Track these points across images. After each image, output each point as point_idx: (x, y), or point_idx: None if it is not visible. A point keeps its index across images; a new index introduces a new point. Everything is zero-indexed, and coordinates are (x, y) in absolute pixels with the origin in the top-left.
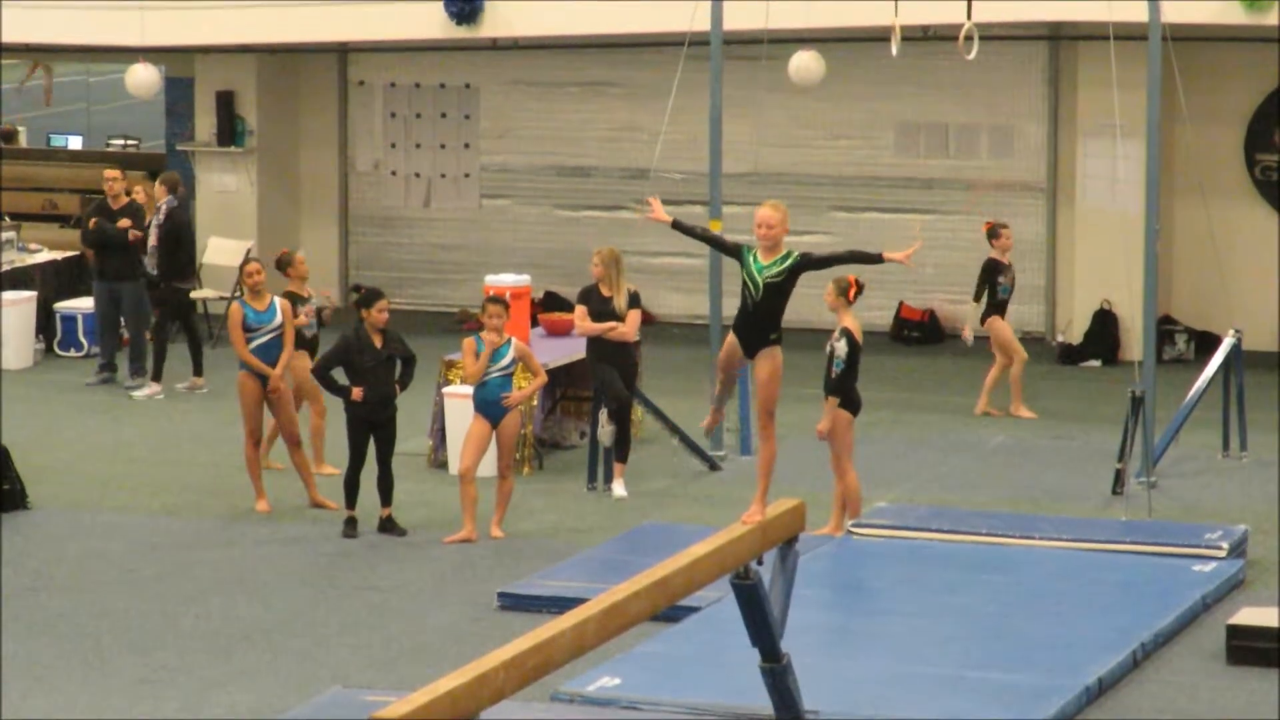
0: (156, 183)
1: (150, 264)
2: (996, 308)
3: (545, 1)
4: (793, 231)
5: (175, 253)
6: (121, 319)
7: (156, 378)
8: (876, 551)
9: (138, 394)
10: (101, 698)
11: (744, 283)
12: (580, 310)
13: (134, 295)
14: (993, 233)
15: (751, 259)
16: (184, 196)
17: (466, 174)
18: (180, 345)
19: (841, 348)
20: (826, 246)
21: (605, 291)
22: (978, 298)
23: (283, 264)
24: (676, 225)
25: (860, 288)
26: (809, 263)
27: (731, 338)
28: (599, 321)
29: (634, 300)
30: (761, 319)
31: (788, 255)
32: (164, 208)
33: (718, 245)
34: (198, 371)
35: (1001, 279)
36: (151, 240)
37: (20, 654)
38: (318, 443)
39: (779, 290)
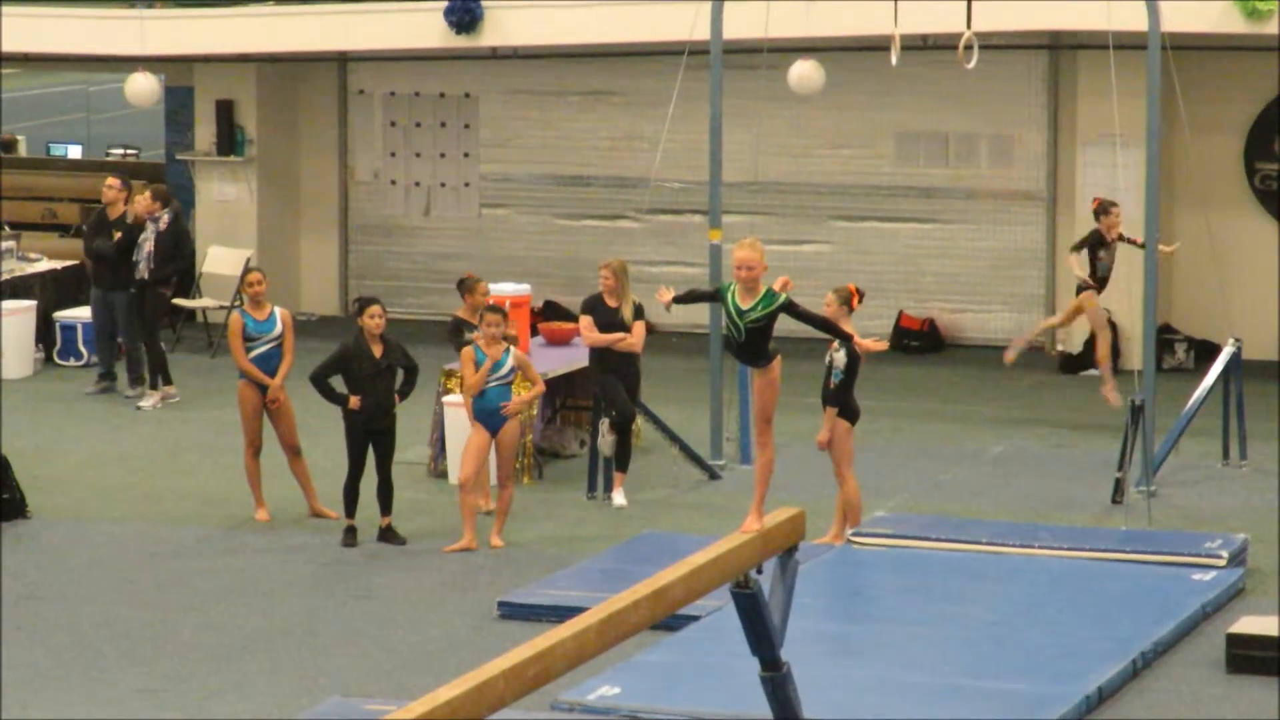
0: (147, 194)
1: (144, 268)
2: (1097, 282)
3: (545, 10)
4: (791, 240)
5: (171, 261)
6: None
7: (154, 385)
8: (877, 560)
9: (144, 404)
10: (101, 707)
11: (726, 322)
12: (586, 321)
13: (128, 304)
14: (1102, 209)
15: (731, 300)
16: (177, 208)
17: (466, 183)
18: (177, 353)
19: (841, 358)
20: (825, 257)
21: (611, 302)
22: (1078, 249)
23: (464, 288)
24: (679, 299)
25: (861, 297)
26: (792, 311)
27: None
28: (605, 332)
29: (639, 312)
30: (750, 353)
31: (769, 299)
32: (164, 218)
33: (705, 299)
34: (157, 384)
35: (1103, 254)
36: (148, 247)
37: (20, 663)
38: (486, 481)
39: (762, 331)
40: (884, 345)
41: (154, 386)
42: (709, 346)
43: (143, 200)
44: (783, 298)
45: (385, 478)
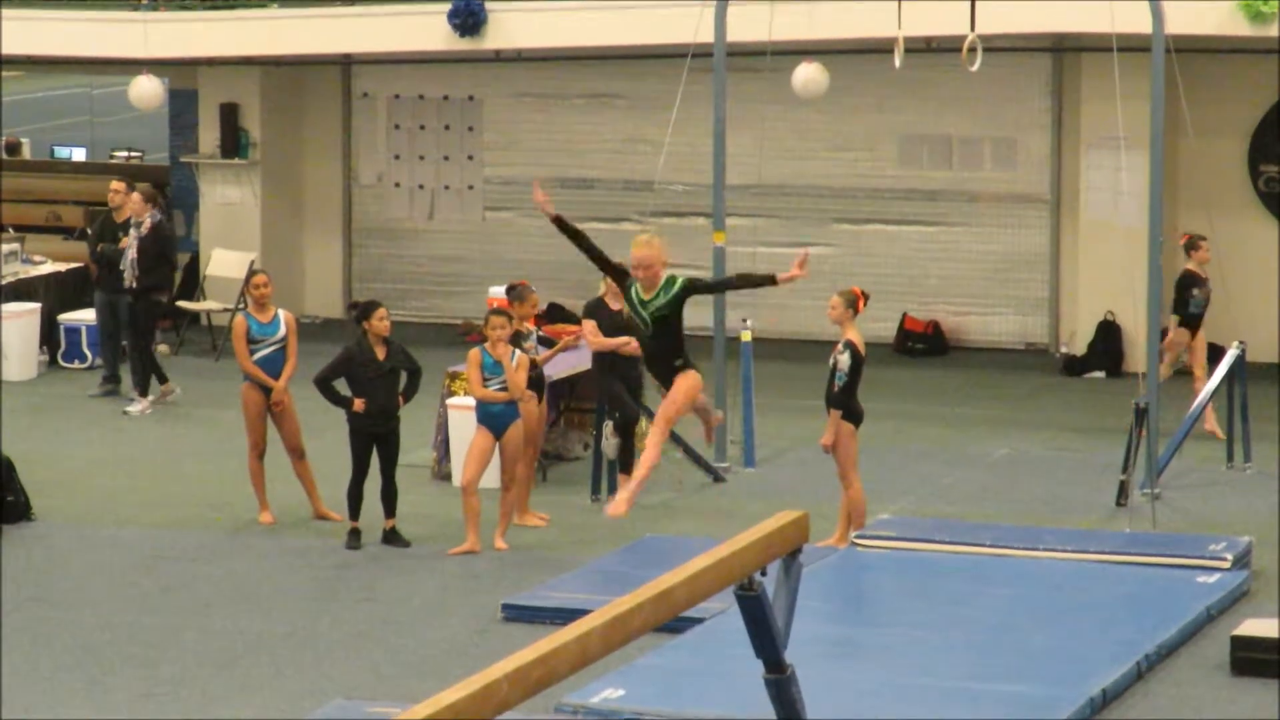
0: (135, 195)
1: (129, 276)
2: (1186, 321)
3: (548, 13)
4: (795, 243)
5: (156, 266)
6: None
7: (144, 392)
8: (881, 563)
9: (131, 409)
10: (104, 711)
11: (633, 318)
12: (590, 325)
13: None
14: (1191, 244)
15: (634, 295)
16: (163, 209)
17: (470, 186)
18: (181, 356)
19: (844, 360)
20: (829, 260)
21: (615, 305)
22: (1176, 310)
23: (513, 297)
24: (558, 222)
25: (866, 299)
26: (696, 288)
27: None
28: (609, 335)
29: None
30: (661, 351)
31: (670, 283)
32: (147, 220)
33: (600, 261)
34: (144, 392)
35: (1196, 292)
36: (131, 253)
37: (23, 667)
38: (522, 494)
39: (668, 321)
40: (804, 253)
41: (144, 393)
42: (712, 349)
43: (132, 202)
44: (682, 280)
45: (389, 480)
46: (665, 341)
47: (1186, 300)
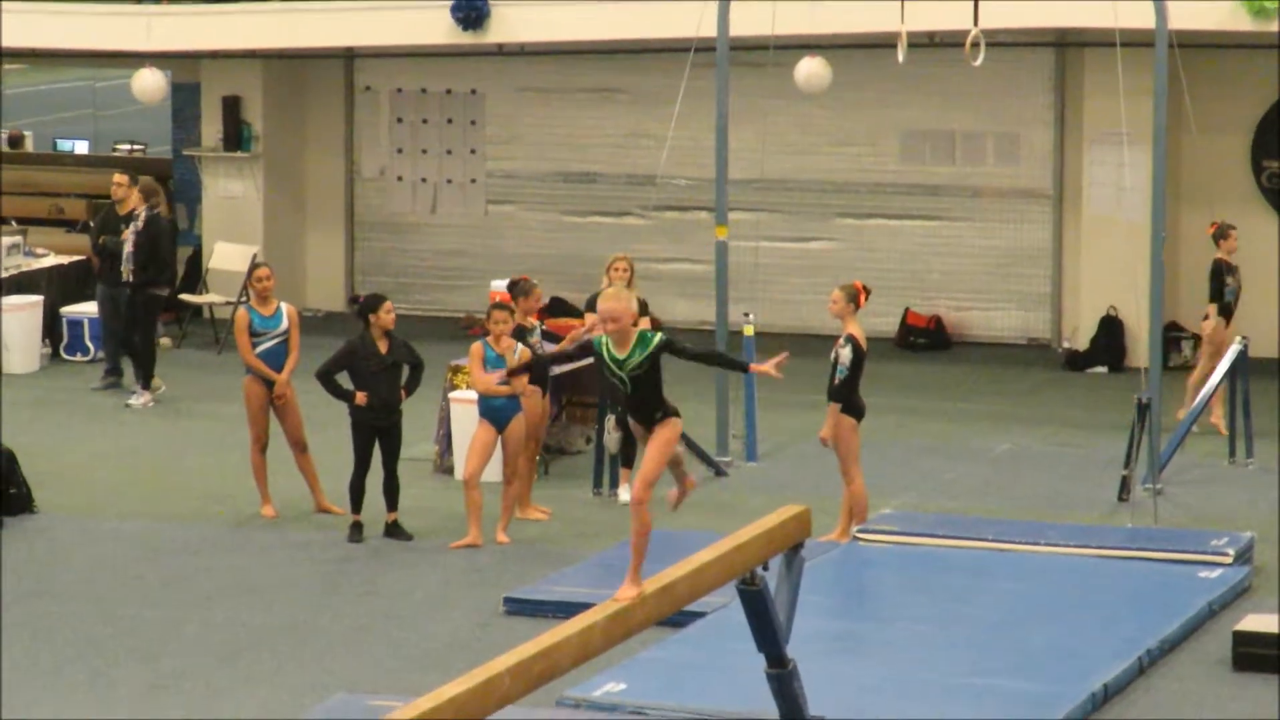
0: (135, 189)
1: (126, 270)
2: (1222, 310)
3: (551, 7)
4: (798, 238)
5: (150, 263)
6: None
7: (146, 385)
8: (882, 558)
9: (133, 401)
10: (107, 704)
11: (609, 377)
12: (593, 318)
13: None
14: (1220, 233)
15: (606, 354)
16: (157, 204)
17: (473, 180)
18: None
19: (846, 354)
20: (831, 255)
21: None
22: (1213, 299)
23: (517, 292)
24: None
25: (868, 294)
26: (672, 349)
27: (639, 435)
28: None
29: (643, 308)
30: (643, 405)
31: (646, 341)
32: (141, 216)
33: (571, 359)
34: (145, 384)
35: (1230, 280)
36: (128, 247)
37: (26, 660)
38: (524, 488)
39: (648, 379)
40: (783, 356)
41: (146, 386)
42: (714, 343)
43: (131, 196)
44: (659, 337)
45: (391, 474)
46: (646, 396)
47: (1221, 288)
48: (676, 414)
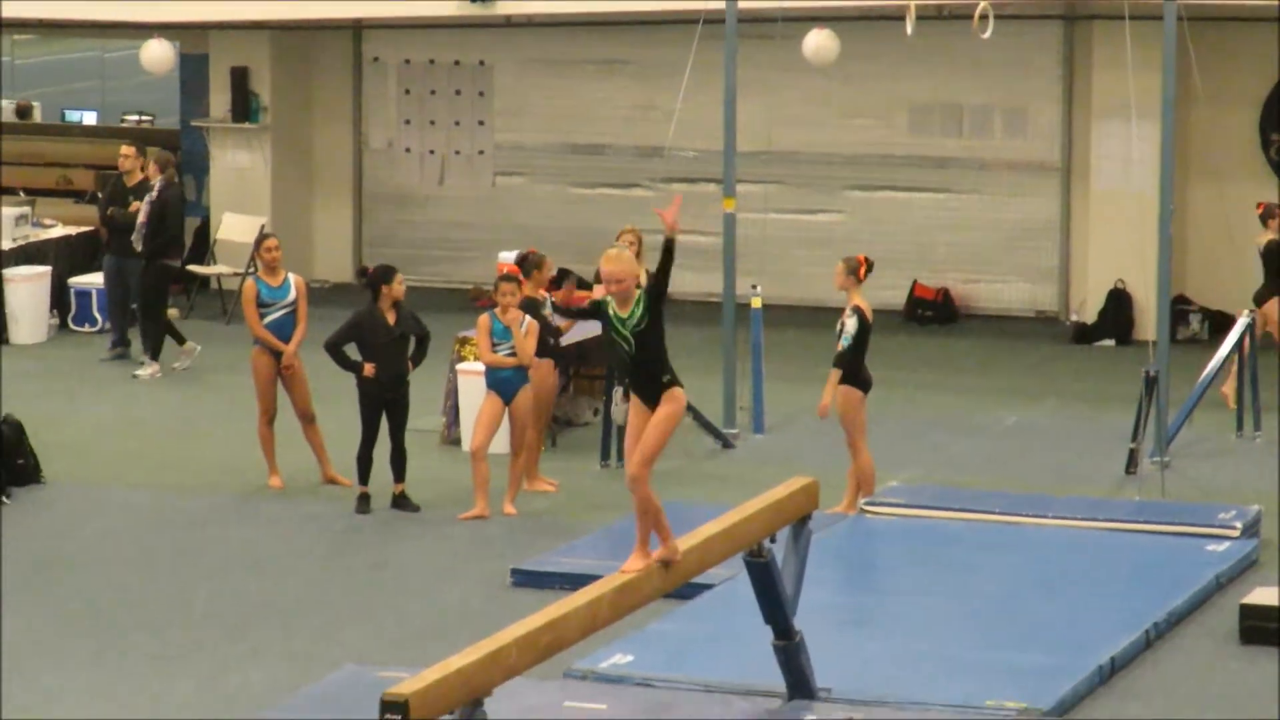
0: (150, 160)
1: (138, 241)
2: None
3: None
4: (805, 210)
5: (158, 234)
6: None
7: (154, 355)
8: (889, 531)
9: (141, 373)
10: (114, 675)
11: (613, 340)
12: (601, 290)
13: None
14: (1269, 213)
15: (611, 314)
16: (171, 176)
17: (480, 151)
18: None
19: (851, 324)
20: (839, 228)
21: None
22: (1270, 281)
23: (529, 265)
24: (670, 245)
25: (870, 266)
26: (654, 288)
27: (634, 406)
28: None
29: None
30: (646, 367)
31: (641, 295)
32: (155, 187)
33: (580, 316)
34: (154, 355)
35: None
36: (141, 218)
37: (33, 631)
38: (532, 460)
39: (649, 333)
40: (677, 199)
41: (155, 358)
42: (721, 315)
43: (150, 167)
44: (641, 291)
45: (399, 445)
46: (649, 357)
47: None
48: (679, 384)
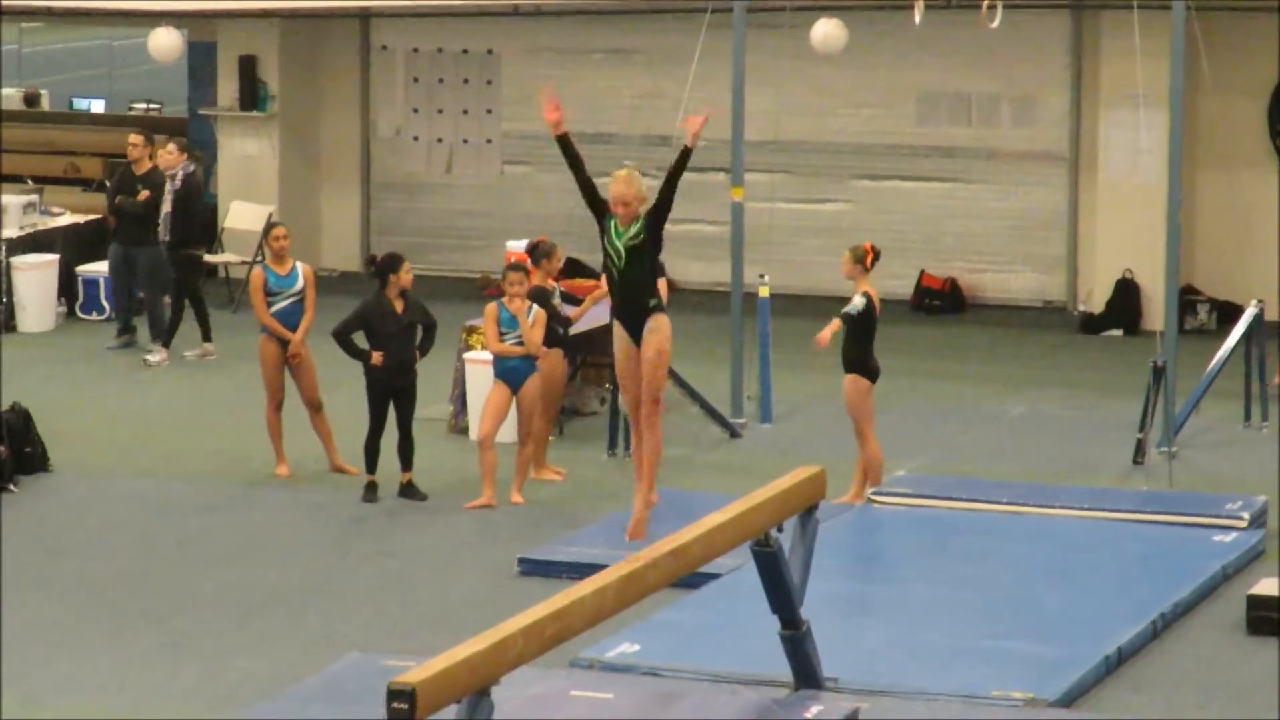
0: (170, 146)
1: (163, 230)
2: None
3: None
4: (813, 199)
5: (184, 224)
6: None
7: (166, 344)
8: (896, 520)
9: (151, 359)
10: (120, 663)
11: (607, 254)
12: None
13: (149, 260)
14: None
15: (613, 228)
16: (199, 161)
17: (488, 140)
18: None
19: (859, 300)
20: (847, 217)
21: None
22: None
23: (538, 255)
24: (563, 140)
25: (877, 254)
26: (656, 209)
27: (619, 335)
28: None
29: (660, 270)
30: (634, 287)
31: (641, 217)
32: (180, 173)
33: (588, 192)
34: (207, 338)
35: None
36: (165, 207)
37: (39, 618)
38: (539, 449)
39: (640, 253)
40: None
41: (166, 344)
42: (729, 304)
43: (167, 154)
44: (647, 210)
45: (406, 434)
46: (637, 276)
47: None
48: (664, 309)
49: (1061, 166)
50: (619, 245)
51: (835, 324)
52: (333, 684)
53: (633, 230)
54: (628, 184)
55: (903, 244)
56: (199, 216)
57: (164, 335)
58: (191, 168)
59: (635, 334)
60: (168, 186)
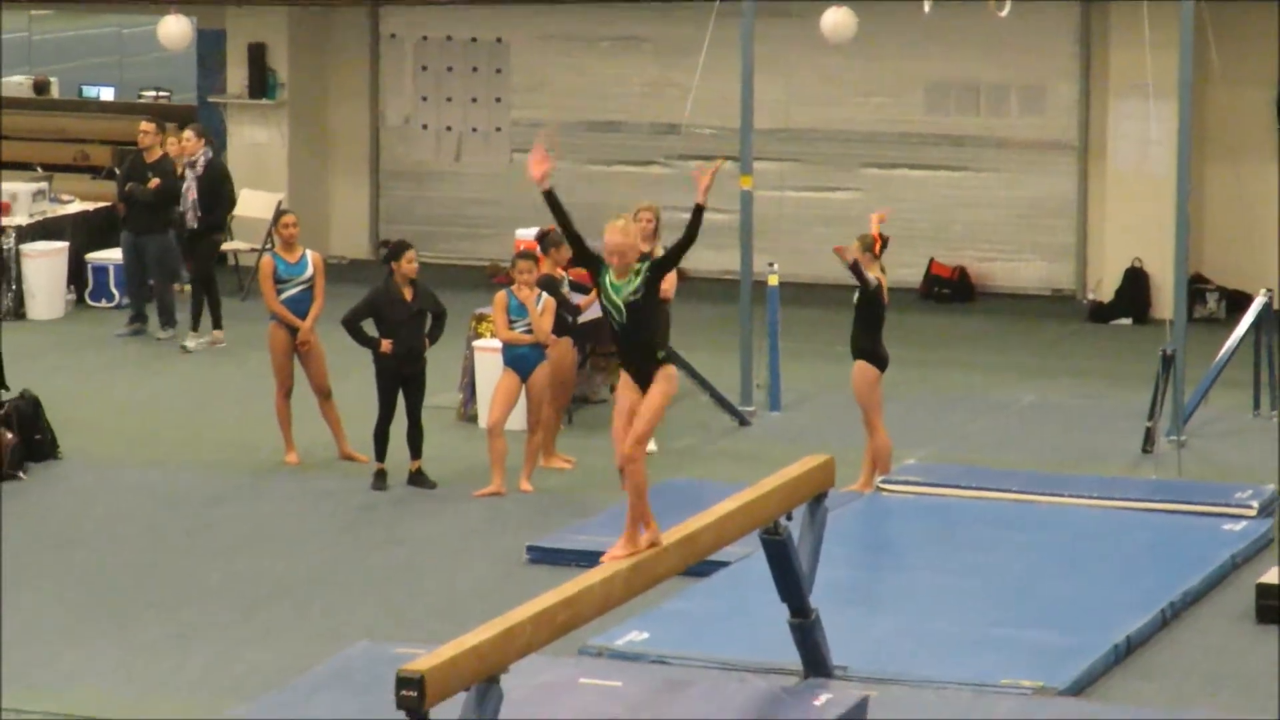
0: (187, 133)
1: (191, 216)
2: None
3: None
4: (822, 188)
5: (216, 206)
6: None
7: (217, 325)
8: (905, 509)
9: (190, 344)
10: (129, 653)
11: (606, 310)
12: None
13: (159, 248)
14: None
15: (608, 280)
16: (215, 147)
17: (497, 128)
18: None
19: (870, 278)
20: (856, 205)
21: (644, 247)
22: None
23: (548, 243)
24: (550, 196)
25: (885, 242)
26: (662, 263)
27: (623, 383)
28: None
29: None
30: (638, 340)
31: (640, 266)
32: (201, 159)
33: (577, 246)
34: (217, 325)
35: None
36: (191, 194)
37: (48, 607)
38: (548, 437)
39: (644, 306)
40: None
41: (195, 328)
42: (738, 292)
43: (189, 140)
44: (648, 263)
45: (415, 422)
46: (641, 332)
47: None
48: (671, 361)
49: (1070, 155)
50: (617, 301)
51: (856, 245)
52: (342, 672)
53: (632, 285)
54: (624, 233)
55: (912, 233)
56: (230, 200)
57: (213, 318)
58: (211, 153)
59: (641, 381)
60: (189, 173)
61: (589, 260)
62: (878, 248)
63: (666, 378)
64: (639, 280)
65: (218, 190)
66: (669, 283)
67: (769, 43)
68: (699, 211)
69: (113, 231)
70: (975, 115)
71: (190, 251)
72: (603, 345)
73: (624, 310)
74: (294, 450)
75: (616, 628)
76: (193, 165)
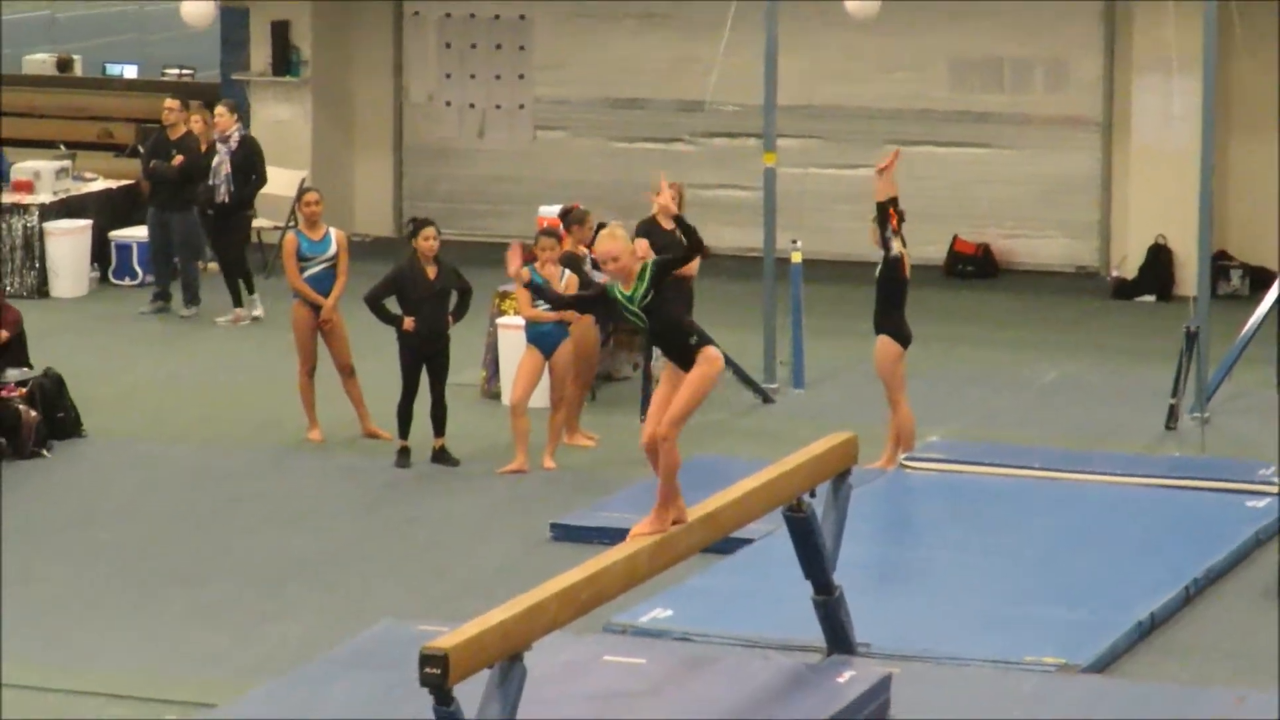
0: (220, 109)
1: (224, 191)
2: None
3: None
4: (845, 165)
5: (250, 181)
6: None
7: (238, 304)
8: (929, 486)
9: (221, 320)
10: (152, 630)
11: (630, 320)
12: (644, 244)
13: (185, 225)
14: None
15: (618, 295)
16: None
17: (521, 105)
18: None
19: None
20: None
21: (666, 225)
22: None
23: (571, 221)
24: (532, 286)
25: (902, 217)
26: (664, 263)
27: (666, 375)
28: (659, 255)
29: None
30: (668, 338)
31: (644, 270)
32: (235, 134)
33: (579, 301)
34: (239, 303)
35: None
36: (225, 169)
37: (71, 584)
38: (572, 415)
39: (659, 306)
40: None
41: (237, 303)
42: (762, 270)
43: (222, 116)
44: (650, 263)
45: (439, 399)
46: (667, 328)
47: None
48: (710, 342)
49: (1094, 132)
50: (635, 310)
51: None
52: (365, 650)
53: (640, 290)
54: (611, 239)
55: (935, 210)
56: (263, 176)
57: (234, 296)
58: (245, 129)
59: (685, 368)
60: (221, 148)
61: (595, 299)
62: (894, 222)
63: (707, 360)
64: (645, 284)
65: (253, 165)
66: (691, 268)
67: (792, 19)
68: (684, 226)
69: (136, 209)
70: (999, 92)
71: (220, 227)
72: (626, 323)
73: (643, 316)
74: (317, 427)
75: (640, 605)
76: (225, 140)
